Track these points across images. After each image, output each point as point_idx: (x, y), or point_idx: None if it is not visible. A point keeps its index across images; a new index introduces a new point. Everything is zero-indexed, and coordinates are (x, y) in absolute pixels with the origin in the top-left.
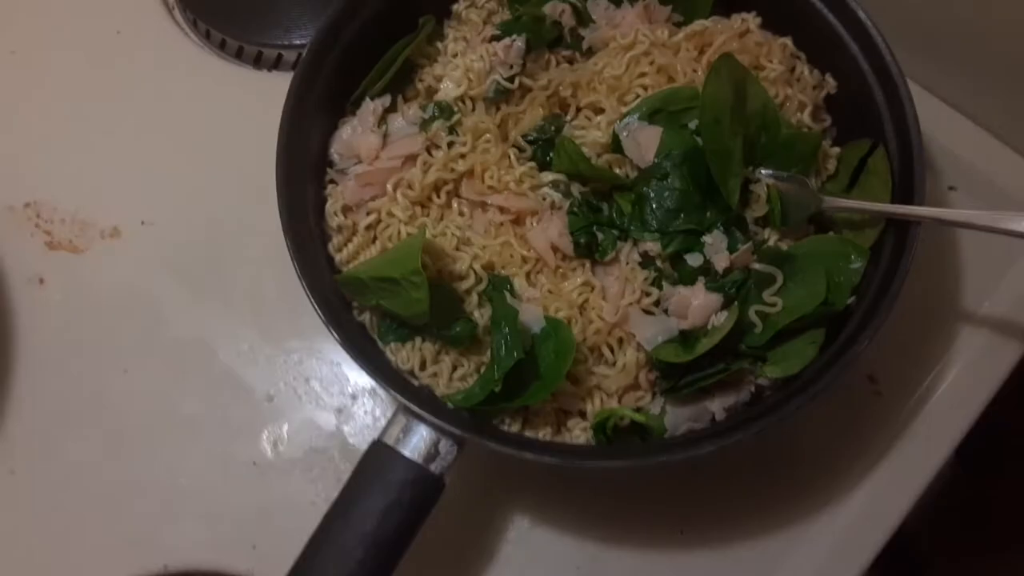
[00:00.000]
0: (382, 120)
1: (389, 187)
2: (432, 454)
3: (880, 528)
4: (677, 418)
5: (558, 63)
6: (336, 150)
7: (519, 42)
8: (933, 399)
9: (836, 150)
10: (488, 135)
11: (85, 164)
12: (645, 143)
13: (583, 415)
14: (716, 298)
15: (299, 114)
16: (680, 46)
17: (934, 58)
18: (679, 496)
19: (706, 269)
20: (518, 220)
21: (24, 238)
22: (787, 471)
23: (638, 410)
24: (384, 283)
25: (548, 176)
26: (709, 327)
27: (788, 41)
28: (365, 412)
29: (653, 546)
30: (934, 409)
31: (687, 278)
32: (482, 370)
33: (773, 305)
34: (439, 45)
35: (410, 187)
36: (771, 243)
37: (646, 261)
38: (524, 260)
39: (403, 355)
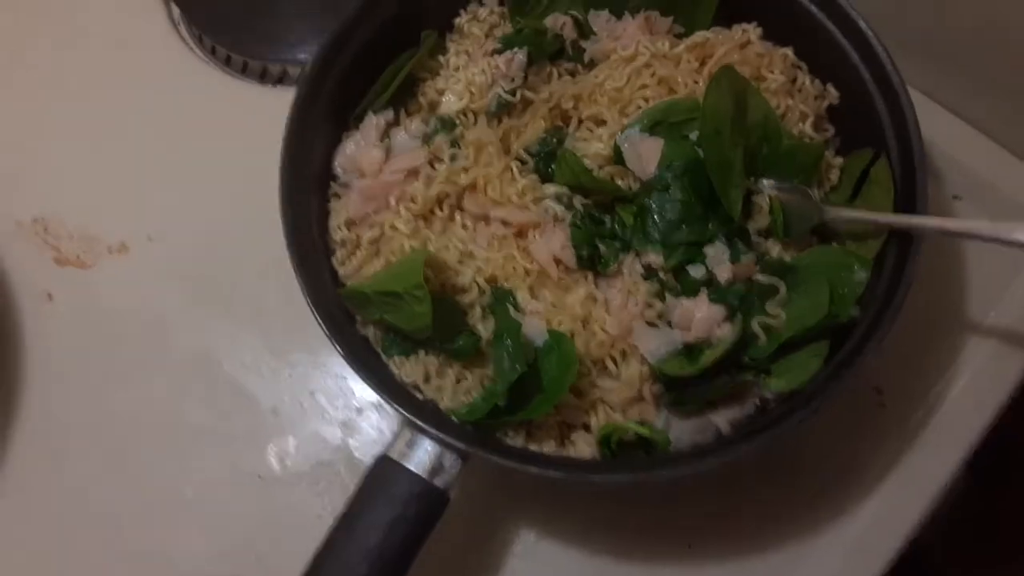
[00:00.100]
0: (385, 134)
1: (392, 201)
2: (437, 468)
3: (889, 541)
4: (682, 431)
5: (560, 75)
6: (339, 164)
7: (520, 55)
8: (940, 411)
9: (838, 160)
10: (490, 148)
11: (92, 180)
12: (646, 155)
13: (587, 428)
14: (719, 310)
15: (303, 128)
16: (681, 58)
17: (937, 65)
18: (686, 509)
19: (709, 281)
20: (521, 233)
21: (32, 253)
22: (794, 484)
23: (642, 423)
24: (387, 297)
25: (550, 189)
26: (713, 339)
27: (789, 52)
28: (371, 426)
29: (661, 560)
30: (941, 421)
31: (690, 290)
32: (486, 383)
33: (776, 317)
34: (441, 59)
35: (413, 200)
36: (774, 254)
37: (649, 273)
38: (527, 273)
39: (407, 369)
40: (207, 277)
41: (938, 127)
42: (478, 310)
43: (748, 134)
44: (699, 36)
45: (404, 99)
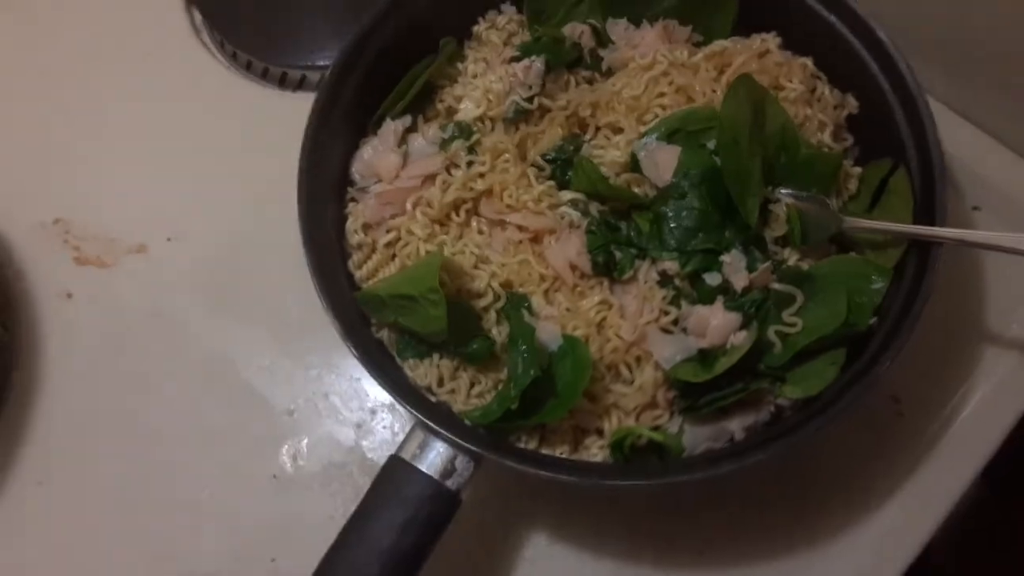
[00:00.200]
0: (402, 140)
1: (409, 205)
2: (449, 470)
3: (903, 550)
4: (696, 437)
5: (577, 83)
6: (357, 169)
7: (538, 63)
8: (958, 421)
9: (857, 170)
10: (507, 155)
11: (113, 182)
12: (663, 163)
13: (600, 433)
14: (735, 317)
15: (321, 133)
16: (699, 66)
17: (957, 75)
18: (699, 515)
19: (725, 288)
20: (536, 238)
21: (53, 253)
22: (809, 492)
23: (656, 429)
24: (402, 300)
25: (567, 195)
26: (728, 346)
27: (808, 61)
28: (384, 427)
29: (672, 565)
30: (959, 431)
31: (706, 297)
32: (499, 387)
33: (793, 325)
34: (459, 66)
35: (429, 206)
36: (791, 263)
37: (664, 280)
38: (542, 278)
39: (421, 371)
40: (224, 279)
41: (958, 138)
42: (493, 314)
43: (766, 143)
44: (717, 45)
45: (422, 105)
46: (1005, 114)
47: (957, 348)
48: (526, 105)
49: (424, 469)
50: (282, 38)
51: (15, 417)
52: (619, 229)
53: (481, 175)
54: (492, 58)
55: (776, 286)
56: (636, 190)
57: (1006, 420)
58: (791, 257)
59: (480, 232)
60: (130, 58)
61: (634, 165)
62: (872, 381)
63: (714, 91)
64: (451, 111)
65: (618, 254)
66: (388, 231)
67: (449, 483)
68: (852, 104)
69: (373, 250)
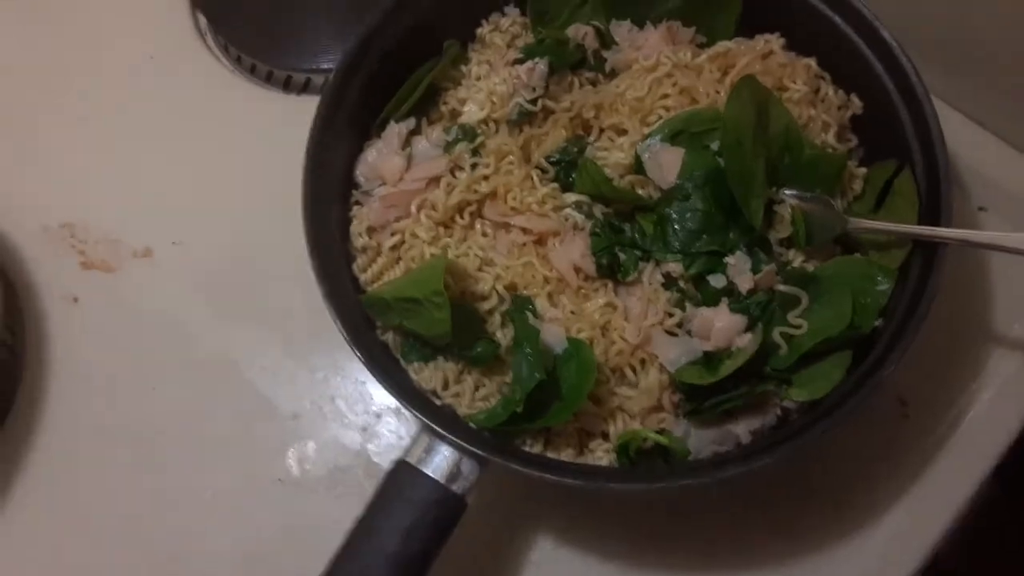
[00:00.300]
0: (406, 142)
1: (413, 208)
2: (455, 474)
3: (913, 553)
4: (701, 441)
5: (581, 85)
6: (361, 172)
7: (542, 65)
8: (965, 422)
9: (862, 170)
10: (511, 157)
11: (118, 185)
12: (667, 164)
13: (606, 436)
14: (740, 319)
15: (325, 136)
16: (703, 68)
17: (962, 76)
18: (704, 518)
19: (730, 290)
20: (540, 241)
21: (59, 257)
22: (815, 494)
23: (661, 432)
24: (407, 303)
25: (571, 197)
26: (733, 349)
27: (812, 62)
28: (389, 431)
29: (678, 569)
30: (966, 433)
31: (710, 299)
32: (504, 390)
33: (798, 327)
34: (463, 69)
35: (434, 208)
36: (796, 264)
37: (669, 282)
38: (546, 280)
39: (425, 375)
40: (230, 282)
41: (963, 138)
42: (497, 317)
43: (770, 144)
44: (721, 46)
45: (426, 108)
46: (1011, 114)
47: (963, 349)
48: (530, 107)
49: (430, 473)
50: (286, 41)
51: (21, 421)
52: (623, 231)
53: (485, 177)
54: (496, 60)
55: (781, 288)
56: (640, 192)
57: (1013, 421)
58: (796, 259)
59: (484, 235)
60: (135, 62)
61: (638, 167)
62: (879, 383)
63: (718, 92)
64: (455, 113)
65: (622, 256)
66: (392, 234)
67: (455, 487)
68: (856, 104)
69: (378, 253)
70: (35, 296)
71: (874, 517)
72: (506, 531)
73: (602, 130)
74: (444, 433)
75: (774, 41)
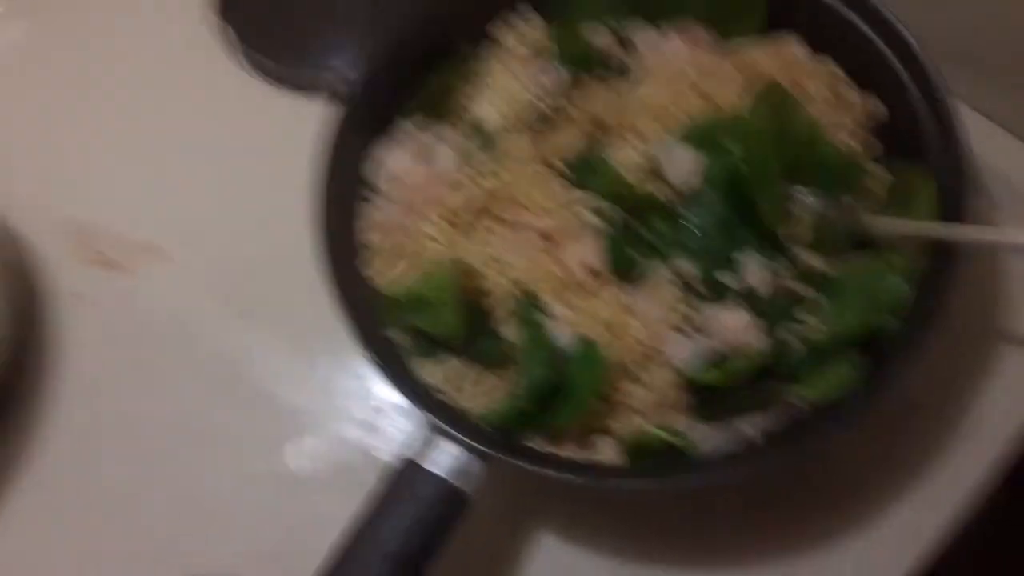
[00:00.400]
0: (420, 143)
1: (424, 207)
2: (459, 471)
3: (917, 554)
4: (711, 440)
5: (599, 89)
6: (373, 171)
7: (559, 67)
8: (977, 424)
9: (881, 172)
10: (525, 157)
11: (128, 184)
12: (684, 166)
13: (613, 435)
14: (754, 319)
15: (339, 137)
16: (725, 72)
17: (984, 78)
18: (711, 516)
19: (743, 290)
20: (551, 239)
21: (68, 256)
22: (823, 494)
23: (671, 431)
24: (416, 301)
25: (583, 196)
26: (745, 348)
27: (834, 65)
28: (392, 428)
29: (684, 566)
30: (976, 434)
31: (722, 298)
32: (511, 388)
33: (812, 326)
34: (479, 71)
35: (445, 207)
36: (811, 265)
37: (680, 281)
38: (556, 279)
39: (431, 371)
40: (237, 281)
41: (981, 139)
42: (506, 315)
43: (789, 146)
44: (743, 50)
45: (442, 111)
46: None
47: (972, 350)
48: (548, 111)
49: (434, 469)
50: (299, 42)
51: (26, 418)
52: (636, 230)
53: (499, 178)
54: (513, 63)
55: (795, 287)
56: (656, 193)
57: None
58: (811, 259)
59: (495, 233)
60: (149, 61)
61: (655, 168)
62: (893, 384)
63: (737, 96)
64: (470, 116)
65: (634, 255)
66: (402, 232)
67: (459, 484)
68: (878, 106)
69: (387, 251)
70: (44, 293)
71: (880, 517)
72: (510, 528)
73: (620, 133)
74: (449, 429)
75: (795, 44)
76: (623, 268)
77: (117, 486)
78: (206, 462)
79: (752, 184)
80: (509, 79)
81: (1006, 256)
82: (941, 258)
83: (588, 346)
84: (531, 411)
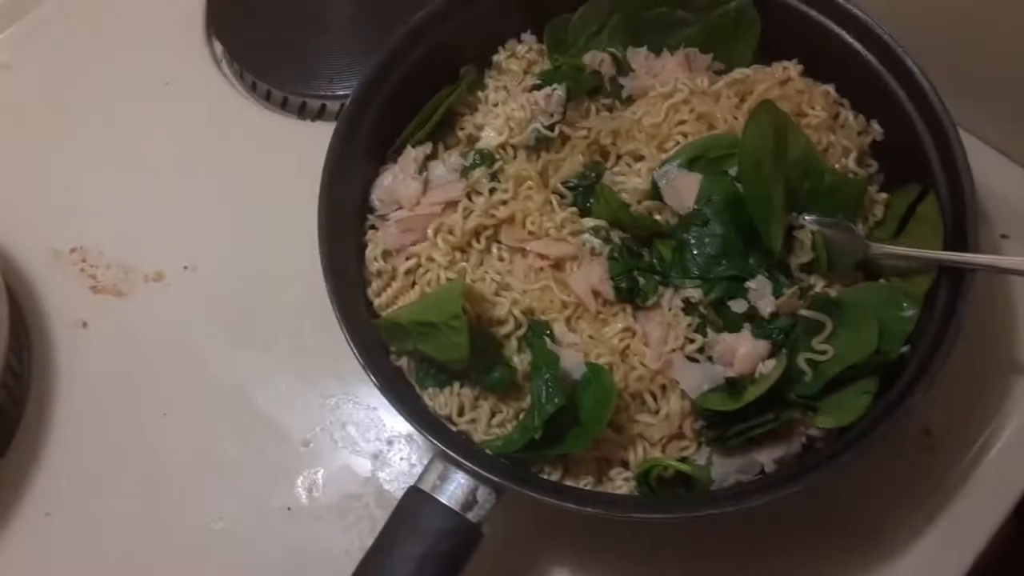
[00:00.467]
0: (423, 167)
1: (430, 232)
2: (470, 502)
3: None
4: (724, 469)
5: (598, 111)
6: (377, 196)
7: (559, 91)
8: (991, 455)
9: (883, 196)
10: (530, 182)
11: (131, 210)
12: (684, 190)
13: (625, 464)
14: (763, 345)
15: (342, 162)
16: (720, 94)
17: (981, 102)
18: (725, 549)
19: (751, 316)
20: (558, 265)
21: (69, 282)
22: (839, 525)
23: (683, 460)
24: (424, 327)
25: (589, 222)
26: (756, 375)
27: (831, 88)
28: (401, 458)
29: None
30: (992, 464)
31: (732, 325)
32: (521, 416)
33: (823, 353)
34: (480, 94)
35: (451, 232)
36: (818, 290)
37: (689, 307)
38: (564, 305)
39: (441, 400)
40: (242, 308)
41: (983, 164)
42: (514, 342)
43: (789, 169)
44: (739, 73)
45: (442, 133)
46: None
47: (987, 379)
48: (547, 133)
49: (444, 501)
50: (302, 68)
51: (27, 445)
52: (641, 256)
53: (504, 202)
54: (512, 86)
55: (805, 313)
56: (657, 218)
57: None
58: (818, 284)
59: (501, 259)
60: (150, 87)
61: (655, 193)
62: (906, 411)
63: (735, 118)
64: (471, 139)
65: (641, 280)
66: (408, 258)
67: (470, 515)
68: (877, 130)
69: (393, 277)
70: (44, 320)
71: (898, 548)
72: (522, 561)
73: (619, 156)
74: (460, 459)
75: (792, 68)
76: (630, 294)
77: (119, 518)
78: (211, 493)
79: (749, 204)
80: (510, 102)
81: (1014, 284)
82: (949, 284)
83: (598, 372)
84: (542, 440)
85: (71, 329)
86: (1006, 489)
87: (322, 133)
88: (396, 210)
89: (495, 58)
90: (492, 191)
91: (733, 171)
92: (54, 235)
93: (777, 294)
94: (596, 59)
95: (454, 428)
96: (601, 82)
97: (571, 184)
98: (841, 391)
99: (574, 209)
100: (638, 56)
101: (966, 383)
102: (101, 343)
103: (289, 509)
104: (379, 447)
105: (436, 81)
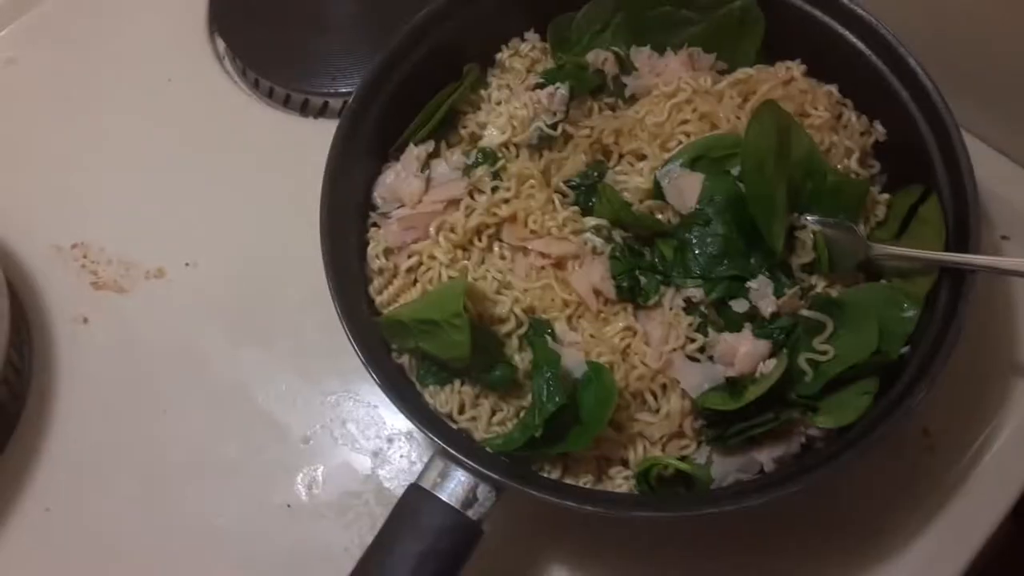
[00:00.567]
0: (425, 165)
1: (431, 230)
2: (470, 499)
3: None
4: (724, 468)
5: (601, 110)
6: (379, 194)
7: (562, 90)
8: (989, 454)
9: (885, 196)
10: (532, 181)
11: (133, 206)
12: (687, 190)
13: (625, 463)
14: (764, 345)
15: (344, 159)
16: (724, 94)
17: (985, 105)
18: (724, 548)
19: (753, 316)
20: (559, 264)
21: (70, 278)
22: (838, 525)
23: (683, 459)
24: (425, 325)
25: (591, 221)
26: (757, 375)
27: (833, 89)
28: (401, 456)
29: None
30: (990, 465)
31: (733, 324)
32: (521, 415)
33: (824, 353)
34: (483, 93)
35: (452, 230)
36: (819, 290)
37: (690, 307)
38: (565, 304)
39: (442, 398)
40: (243, 305)
41: (984, 165)
42: (515, 341)
43: (791, 169)
44: (742, 72)
45: (445, 131)
46: None
47: (987, 380)
48: (550, 131)
49: (445, 498)
50: (304, 65)
51: (27, 441)
52: (643, 255)
53: (506, 200)
54: (516, 85)
55: (806, 313)
56: (660, 217)
57: None
58: (819, 284)
59: (502, 257)
60: (153, 84)
61: (657, 192)
62: (906, 412)
63: (738, 118)
64: (474, 137)
65: (643, 280)
66: (410, 256)
67: (470, 513)
68: (879, 131)
69: (394, 275)
70: (45, 316)
71: (896, 548)
72: (522, 559)
73: (622, 155)
74: (460, 457)
75: (795, 68)
76: (632, 293)
77: (119, 514)
78: (211, 489)
79: (752, 204)
80: (513, 101)
81: (1015, 285)
82: (950, 285)
83: (599, 371)
84: (543, 438)
85: (72, 325)
86: (1004, 489)
87: (324, 131)
88: (398, 208)
89: (498, 56)
90: (494, 189)
91: (735, 171)
92: (55, 231)
93: (778, 294)
94: (599, 58)
95: (455, 426)
96: (604, 81)
97: (573, 183)
98: (841, 391)
99: (576, 208)
100: (641, 55)
101: (965, 384)
102: (102, 339)
103: (289, 506)
104: (379, 445)
105: (439, 79)
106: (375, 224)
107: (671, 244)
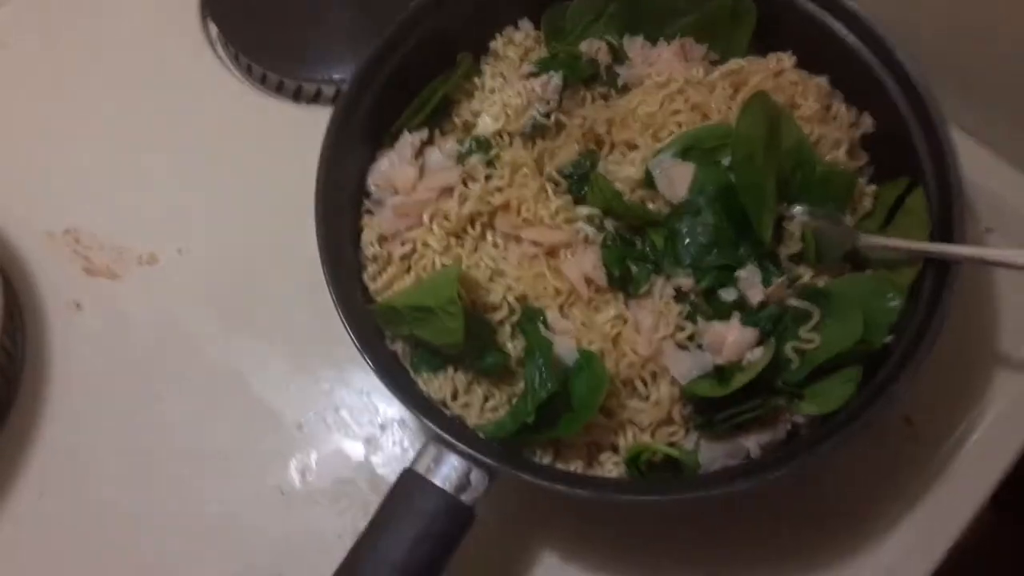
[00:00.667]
0: (419, 153)
1: (425, 218)
2: (463, 484)
3: (915, 573)
4: (712, 454)
5: (593, 99)
6: (373, 181)
7: (556, 79)
8: (970, 443)
9: (872, 188)
10: (526, 169)
11: (125, 192)
12: (678, 179)
13: (615, 449)
14: (751, 333)
15: (338, 146)
16: (715, 84)
17: (969, 97)
18: (711, 534)
19: (741, 304)
20: (552, 252)
21: (62, 264)
22: (821, 512)
23: (672, 445)
24: (419, 312)
25: (583, 210)
26: (745, 362)
27: (823, 80)
28: (394, 443)
29: None
30: (971, 453)
31: (722, 313)
32: (514, 401)
33: (810, 341)
34: (476, 81)
35: (446, 218)
36: (806, 280)
37: (680, 296)
38: (557, 292)
39: (435, 385)
40: (235, 291)
41: (969, 158)
42: (508, 328)
43: (781, 160)
44: (734, 63)
45: (439, 120)
46: (1017, 136)
47: (970, 369)
48: (543, 120)
49: (438, 483)
50: (298, 52)
51: (20, 426)
52: (634, 244)
53: (499, 189)
54: (509, 73)
55: (793, 302)
56: (651, 206)
57: (1018, 442)
58: (806, 274)
59: (495, 245)
60: (145, 70)
61: (649, 181)
62: (889, 399)
63: (729, 108)
64: (468, 125)
65: (634, 268)
66: (404, 243)
67: (463, 497)
68: (868, 123)
69: (388, 262)
70: (37, 302)
71: (879, 535)
72: (514, 544)
73: (614, 145)
74: (454, 442)
75: (786, 59)
76: (623, 282)
77: (113, 501)
78: (205, 476)
79: (741, 193)
80: (506, 89)
81: (998, 277)
82: (935, 275)
83: (590, 358)
84: (534, 424)
85: (65, 310)
86: (984, 478)
87: (317, 117)
88: (392, 195)
89: (492, 45)
90: (488, 178)
91: (726, 161)
92: (47, 216)
93: (766, 283)
94: (593, 47)
95: (448, 412)
96: (597, 70)
97: (566, 172)
98: (826, 379)
99: (568, 197)
100: (634, 45)
101: (947, 374)
102: (95, 325)
103: (282, 492)
104: (372, 432)
105: (433, 67)
106: (369, 211)
107: (662, 233)
